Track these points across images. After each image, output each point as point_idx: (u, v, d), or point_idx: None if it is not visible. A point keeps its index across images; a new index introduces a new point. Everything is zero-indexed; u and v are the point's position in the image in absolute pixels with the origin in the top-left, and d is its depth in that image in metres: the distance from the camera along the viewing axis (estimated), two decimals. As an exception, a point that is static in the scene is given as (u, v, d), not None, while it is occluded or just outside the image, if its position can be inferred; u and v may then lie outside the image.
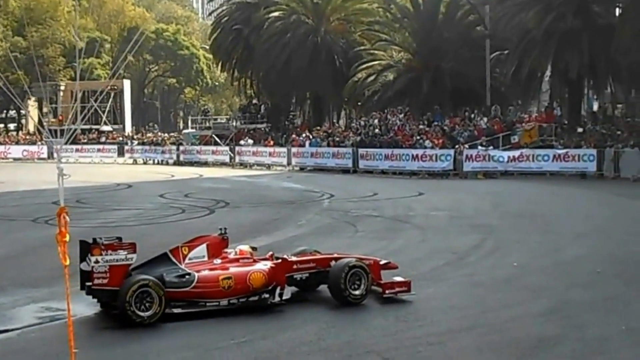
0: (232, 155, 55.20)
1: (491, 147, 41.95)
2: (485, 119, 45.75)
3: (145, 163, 60.53)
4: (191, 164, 56.18)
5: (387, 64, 55.60)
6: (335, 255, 12.97)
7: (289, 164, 50.56)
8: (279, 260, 12.44)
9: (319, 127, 56.40)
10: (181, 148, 59.89)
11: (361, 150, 46.18)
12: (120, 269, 11.14)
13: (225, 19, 67.47)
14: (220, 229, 12.81)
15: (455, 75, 51.20)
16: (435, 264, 15.47)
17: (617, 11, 46.13)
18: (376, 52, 56.88)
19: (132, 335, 10.38)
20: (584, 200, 29.22)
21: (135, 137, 70.12)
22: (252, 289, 11.84)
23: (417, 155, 43.01)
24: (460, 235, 19.44)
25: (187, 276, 11.57)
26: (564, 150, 39.72)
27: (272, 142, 55.07)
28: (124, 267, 11.20)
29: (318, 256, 13.05)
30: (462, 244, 17.89)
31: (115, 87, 76.76)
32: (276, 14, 60.31)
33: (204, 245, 12.49)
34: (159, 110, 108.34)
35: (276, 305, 11.63)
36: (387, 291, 12.43)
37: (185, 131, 76.33)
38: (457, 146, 42.22)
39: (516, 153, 40.85)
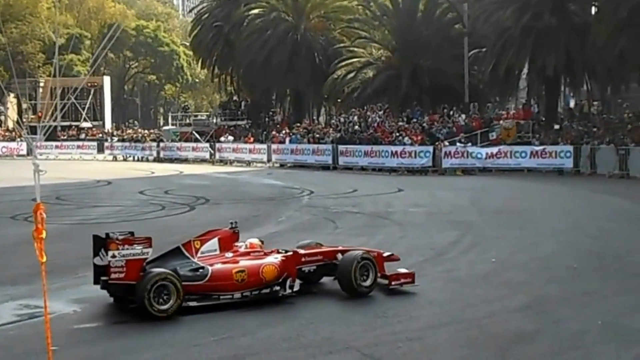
0: (212, 151, 55.19)
1: (470, 144, 42.33)
2: (463, 116, 46.21)
3: (125, 160, 60.27)
4: (171, 160, 56.15)
5: (366, 61, 55.92)
6: (341, 248, 13.25)
7: (269, 160, 50.60)
8: (290, 253, 12.69)
9: (299, 124, 56.35)
10: (161, 145, 59.85)
11: (341, 147, 46.35)
12: (136, 263, 11.26)
13: (206, 15, 67.50)
14: (231, 223, 12.95)
15: (434, 72, 51.53)
16: (415, 260, 15.20)
17: (593, 10, 46.57)
18: (356, 49, 57.15)
19: (111, 333, 10.35)
20: (561, 197, 29.40)
21: (115, 133, 70.02)
22: (265, 281, 12.03)
23: (396, 152, 43.28)
24: (439, 232, 19.45)
25: (200, 270, 11.74)
26: (541, 147, 40.14)
27: (252, 139, 55.07)
28: (140, 261, 11.33)
29: (324, 249, 13.30)
30: (441, 240, 17.90)
31: (95, 84, 76.60)
32: (256, 11, 60.50)
33: (216, 239, 12.66)
34: (139, 106, 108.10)
35: (286, 297, 11.85)
36: (393, 282, 12.70)
37: (165, 128, 76.21)
38: (436, 143, 42.46)
39: (494, 150, 41.23)
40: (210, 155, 55.13)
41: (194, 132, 62.40)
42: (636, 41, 38.62)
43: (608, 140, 38.36)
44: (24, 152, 62.46)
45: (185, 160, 55.58)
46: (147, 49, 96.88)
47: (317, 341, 9.82)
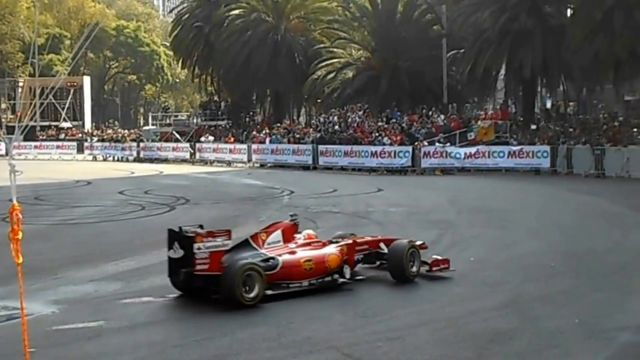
0: (192, 151, 55.30)
1: (448, 144, 42.61)
2: (442, 116, 46.47)
3: (105, 160, 60.24)
4: (151, 160, 56.19)
5: (346, 62, 56.08)
6: (380, 238, 14.37)
7: (249, 160, 50.73)
8: (349, 242, 13.60)
9: (279, 124, 56.65)
10: (141, 145, 59.83)
11: (321, 147, 46.61)
12: (218, 255, 11.85)
13: (186, 16, 67.51)
14: (291, 215, 13.79)
15: (412, 73, 51.83)
16: None
17: (569, 12, 46.91)
18: (335, 50, 57.33)
19: (90, 334, 10.19)
20: (538, 196, 29.71)
21: (95, 133, 69.87)
22: (329, 269, 12.75)
23: (376, 152, 43.59)
24: (419, 231, 19.21)
25: (271, 260, 12.26)
26: (519, 147, 40.46)
27: (232, 139, 55.09)
28: (221, 253, 11.92)
29: (369, 238, 14.25)
30: (420, 239, 17.26)
31: (75, 84, 76.48)
32: (237, 11, 60.58)
33: (280, 231, 13.26)
34: (119, 106, 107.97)
35: (345, 284, 12.49)
36: (434, 268, 13.64)
37: (145, 128, 76.18)
38: (415, 143, 42.75)
39: (472, 150, 41.57)
40: (191, 155, 55.21)
41: (174, 132, 62.48)
42: (611, 43, 38.96)
43: (584, 141, 38.71)
44: (3, 152, 62.30)
45: (165, 161, 55.65)
46: (127, 49, 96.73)
47: (297, 341, 9.82)
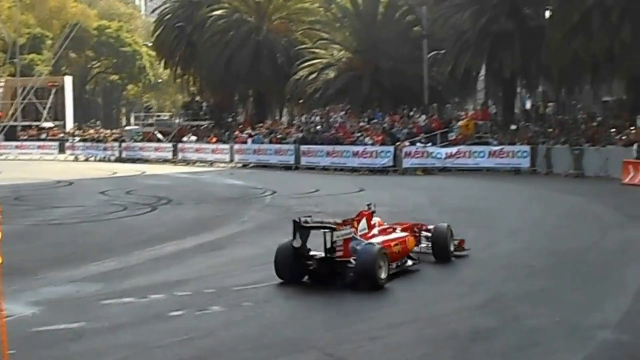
0: (174, 152, 55.43)
1: (429, 144, 42.82)
2: (423, 117, 46.69)
3: (86, 160, 60.18)
4: (133, 160, 56.16)
5: (328, 63, 56.29)
6: (412, 223, 16.11)
7: (231, 160, 50.84)
8: (411, 224, 15.70)
9: (261, 124, 56.80)
10: (123, 145, 59.86)
11: (303, 147, 46.82)
12: (347, 242, 13.12)
13: (168, 16, 67.44)
14: (368, 204, 14.76)
15: (394, 73, 51.98)
16: None
17: (547, 14, 47.05)
18: (317, 50, 57.53)
19: (71, 335, 10.20)
20: (518, 196, 30.00)
21: (76, 133, 69.78)
22: (408, 251, 14.33)
23: (357, 152, 43.82)
24: None
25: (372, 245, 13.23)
26: (499, 147, 40.75)
27: (214, 139, 55.24)
28: (349, 240, 13.16)
29: (410, 224, 15.97)
30: None
31: (57, 84, 76.46)
32: (219, 12, 60.59)
33: (364, 219, 14.22)
34: (101, 106, 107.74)
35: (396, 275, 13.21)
36: (462, 246, 15.83)
37: (127, 128, 76.21)
38: (396, 143, 43.00)
39: (453, 150, 41.77)
40: (173, 155, 55.30)
41: (156, 132, 62.56)
42: (589, 44, 39.13)
43: (563, 141, 39.03)
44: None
45: (147, 161, 55.68)
46: (109, 49, 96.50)
47: (279, 341, 9.89)
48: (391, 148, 42.82)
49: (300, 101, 58.53)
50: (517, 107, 52.51)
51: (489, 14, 45.51)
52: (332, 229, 13.02)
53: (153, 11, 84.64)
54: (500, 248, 17.07)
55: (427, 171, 41.21)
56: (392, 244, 13.85)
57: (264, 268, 14.41)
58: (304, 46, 58.80)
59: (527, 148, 39.62)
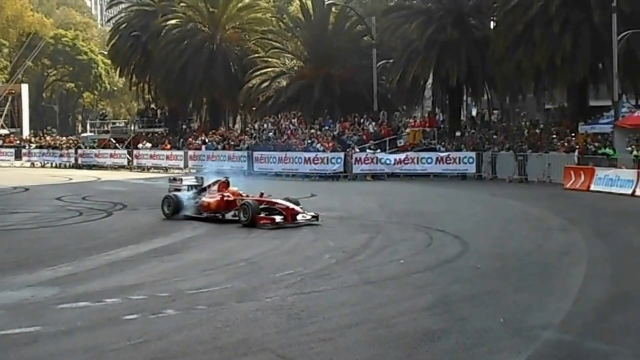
0: (130, 158, 55.50)
1: (379, 151, 43.66)
2: (373, 124, 47.39)
3: (43, 166, 59.84)
4: (89, 167, 56.09)
5: (280, 71, 56.61)
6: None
7: (185, 166, 51.02)
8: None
9: (215, 131, 57.14)
10: (79, 151, 59.64)
11: (256, 154, 47.22)
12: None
13: (124, 25, 67.23)
14: (226, 177, 23.61)
15: (344, 82, 52.86)
16: (327, 262, 15.74)
17: (492, 24, 48.13)
18: (270, 59, 57.76)
19: (26, 339, 10.09)
20: (464, 200, 30.55)
21: (33, 140, 69.44)
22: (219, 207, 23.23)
23: (309, 158, 44.39)
24: (350, 235, 19.93)
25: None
26: (446, 153, 41.71)
27: (169, 146, 55.42)
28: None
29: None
30: (352, 243, 18.41)
31: (13, 91, 76.16)
32: (173, 21, 60.84)
33: (217, 185, 23.79)
34: (58, 114, 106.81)
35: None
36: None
37: (83, 135, 75.99)
38: (347, 149, 43.66)
39: (402, 156, 42.64)
40: (128, 161, 55.38)
41: (112, 139, 62.60)
42: (531, 54, 40.28)
43: (507, 147, 40.03)
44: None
45: (103, 167, 55.58)
46: (66, 57, 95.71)
47: (232, 343, 9.88)
48: (341, 154, 43.52)
49: (253, 109, 58.81)
50: (463, 115, 53.46)
51: (435, 25, 46.37)
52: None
53: (109, 20, 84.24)
54: (447, 251, 17.19)
55: (376, 177, 42.03)
56: (206, 200, 23.00)
57: (217, 272, 14.86)
58: (256, 55, 59.13)
59: (472, 154, 40.65)
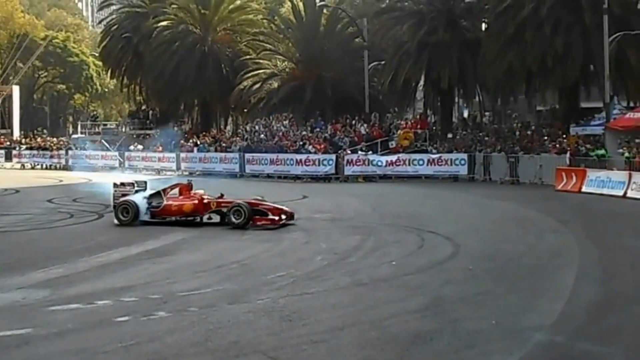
0: (121, 160, 55.42)
1: (370, 152, 43.67)
2: (365, 126, 47.44)
3: (33, 168, 59.50)
4: (80, 168, 56.04)
5: (271, 73, 56.65)
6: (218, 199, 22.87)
7: (178, 168, 51.05)
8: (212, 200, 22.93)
9: (206, 133, 57.14)
10: (70, 153, 59.53)
11: (247, 155, 47.29)
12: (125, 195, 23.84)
13: (115, 27, 67.04)
14: (189, 180, 23.82)
15: (336, 83, 52.91)
16: (319, 264, 15.79)
17: (483, 26, 48.16)
18: (261, 61, 57.77)
19: (18, 342, 10.09)
20: (456, 202, 30.65)
21: (23, 141, 69.30)
22: (182, 212, 22.81)
23: (300, 160, 44.47)
24: (342, 237, 19.98)
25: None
26: (438, 155, 41.80)
27: (161, 148, 55.50)
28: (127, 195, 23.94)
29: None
30: (344, 245, 18.44)
31: (4, 93, 76.06)
32: (165, 23, 60.71)
33: (178, 188, 23.58)
34: (48, 115, 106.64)
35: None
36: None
37: (74, 136, 75.84)
38: (338, 151, 43.68)
39: (394, 158, 42.73)
40: (120, 163, 55.30)
41: (103, 140, 62.48)
42: (523, 56, 40.33)
43: (499, 149, 40.10)
44: None
45: (94, 169, 55.24)
46: (57, 59, 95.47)
47: (224, 345, 9.90)
48: (333, 156, 43.57)
49: (245, 110, 59.00)
50: (454, 117, 53.48)
51: (427, 26, 46.46)
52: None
53: (100, 22, 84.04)
54: (439, 253, 17.22)
55: (368, 178, 42.04)
56: (172, 204, 22.76)
57: (209, 274, 14.87)
58: (248, 57, 59.16)
59: (464, 156, 40.71)
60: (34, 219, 24.73)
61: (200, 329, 10.72)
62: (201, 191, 23.33)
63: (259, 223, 21.74)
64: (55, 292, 13.29)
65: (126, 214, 22.72)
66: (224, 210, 22.24)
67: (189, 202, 22.87)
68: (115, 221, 22.81)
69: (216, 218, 22.62)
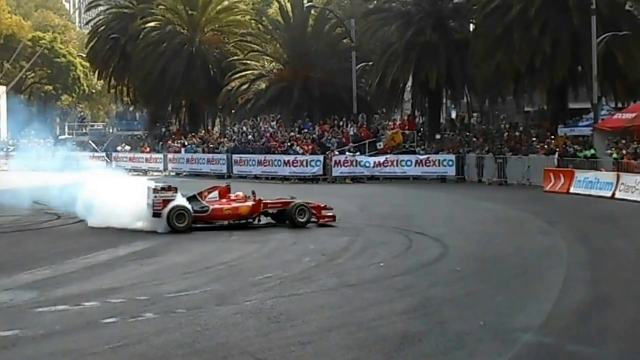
0: (108, 161, 55.32)
1: (358, 153, 43.65)
2: (353, 127, 47.41)
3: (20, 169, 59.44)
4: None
5: (259, 74, 56.55)
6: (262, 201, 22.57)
7: (165, 169, 51.15)
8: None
9: (194, 134, 57.17)
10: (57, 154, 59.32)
11: (235, 156, 47.39)
12: (166, 201, 21.47)
13: (102, 28, 67.03)
14: (227, 184, 23.85)
15: (324, 84, 52.87)
16: (306, 265, 15.79)
17: (471, 27, 48.01)
18: (249, 62, 57.69)
19: (5, 343, 10.06)
20: (444, 203, 30.62)
21: (10, 142, 69.09)
22: (238, 215, 22.19)
23: (288, 161, 44.52)
24: (330, 238, 20.03)
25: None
26: (425, 156, 41.88)
27: (148, 149, 55.50)
28: (168, 200, 21.51)
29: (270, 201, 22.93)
30: (332, 246, 18.50)
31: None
32: (152, 24, 60.63)
33: (217, 191, 22.69)
34: (36, 116, 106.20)
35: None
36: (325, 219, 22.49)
37: (62, 137, 75.65)
38: (326, 152, 43.71)
39: (381, 159, 42.75)
40: (107, 164, 55.14)
41: (90, 141, 62.41)
42: (511, 57, 40.29)
43: (487, 150, 40.16)
44: None
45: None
46: (44, 59, 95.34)
47: (212, 347, 9.89)
48: (321, 157, 43.60)
49: (232, 111, 58.91)
50: (442, 117, 53.47)
51: (415, 27, 46.44)
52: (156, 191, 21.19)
53: (87, 23, 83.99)
54: (427, 254, 17.20)
55: (355, 179, 42.02)
56: (224, 207, 21.93)
57: (196, 275, 14.85)
58: (235, 58, 59.05)
59: (452, 157, 40.76)
60: (20, 221, 24.57)
61: (187, 331, 10.70)
62: (240, 193, 22.95)
63: (321, 221, 22.53)
64: (42, 293, 13.24)
65: (182, 220, 21.09)
66: (273, 211, 22.62)
67: (244, 204, 22.32)
68: (160, 229, 21.07)
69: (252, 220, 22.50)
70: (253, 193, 22.56)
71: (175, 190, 21.73)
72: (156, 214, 21.20)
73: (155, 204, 21.25)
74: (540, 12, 39.45)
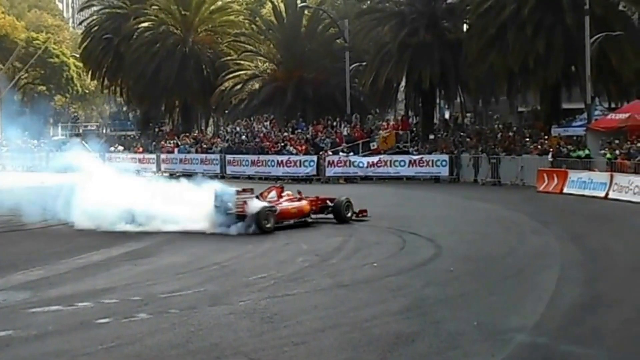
0: (102, 161, 55.25)
1: (352, 153, 43.57)
2: (346, 127, 47.37)
3: (14, 170, 59.25)
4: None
5: (252, 74, 56.54)
6: (316, 197, 23.87)
7: (158, 170, 50.89)
8: (313, 198, 23.64)
9: (187, 134, 57.01)
10: (51, 155, 59.28)
11: (228, 157, 47.34)
12: (245, 203, 21.39)
13: (96, 28, 66.79)
14: (281, 184, 26.20)
15: (317, 85, 52.99)
16: (300, 266, 15.88)
17: (465, 27, 47.91)
18: (242, 62, 57.59)
19: None
20: (438, 203, 30.61)
21: (4, 143, 68.94)
22: (303, 213, 22.78)
23: (282, 161, 44.50)
24: (323, 238, 20.15)
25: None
26: (419, 156, 41.72)
27: (141, 149, 55.43)
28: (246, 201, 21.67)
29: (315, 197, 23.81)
30: (325, 246, 18.61)
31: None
32: (145, 24, 60.48)
33: (274, 191, 22.82)
34: (29, 117, 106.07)
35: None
36: (365, 214, 24.05)
37: (55, 138, 75.58)
38: (320, 152, 43.68)
39: (375, 159, 42.68)
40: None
41: (83, 142, 62.25)
42: (504, 57, 40.28)
43: (481, 150, 40.06)
44: None
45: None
46: (37, 60, 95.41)
47: (205, 347, 9.96)
48: (314, 157, 43.59)
49: (226, 112, 58.82)
50: (436, 118, 53.31)
51: (408, 27, 46.34)
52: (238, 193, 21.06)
53: (81, 23, 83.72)
54: (421, 254, 17.24)
55: (349, 180, 41.93)
56: (290, 206, 22.21)
57: (190, 275, 14.91)
58: (229, 58, 59.00)
59: (446, 157, 40.62)
60: (13, 221, 24.60)
61: (181, 331, 10.74)
62: (289, 192, 23.49)
63: (360, 215, 23.98)
64: (35, 294, 13.33)
65: (269, 220, 21.22)
66: (320, 207, 23.59)
67: (304, 203, 23.06)
68: (250, 230, 20.90)
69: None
70: (299, 193, 23.60)
71: (252, 191, 21.89)
72: (240, 216, 21.09)
73: (237, 206, 21.12)
74: (534, 13, 39.45)
